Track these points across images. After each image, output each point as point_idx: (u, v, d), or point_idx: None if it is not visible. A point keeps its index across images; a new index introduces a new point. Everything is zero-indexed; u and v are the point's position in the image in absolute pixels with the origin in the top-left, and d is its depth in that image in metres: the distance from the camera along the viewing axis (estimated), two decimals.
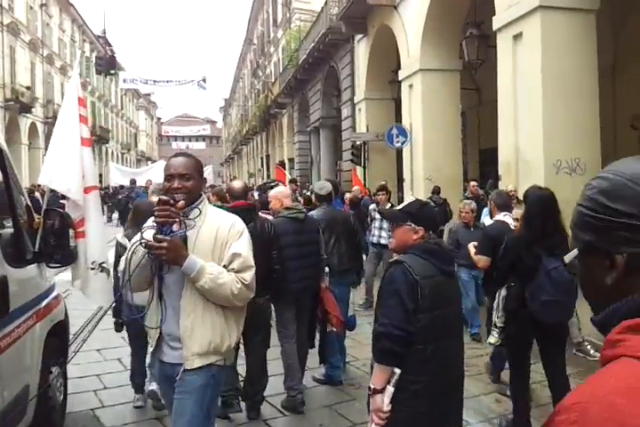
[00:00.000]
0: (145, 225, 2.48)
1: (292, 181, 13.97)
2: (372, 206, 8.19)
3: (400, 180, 13.91)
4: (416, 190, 12.44)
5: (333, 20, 15.84)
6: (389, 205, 7.67)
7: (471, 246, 4.66)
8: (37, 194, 13.43)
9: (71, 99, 4.22)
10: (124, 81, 28.37)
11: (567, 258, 4.72)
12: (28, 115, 28.90)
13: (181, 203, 2.32)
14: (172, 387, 2.47)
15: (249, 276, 2.41)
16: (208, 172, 21.05)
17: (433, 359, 2.33)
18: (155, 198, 5.37)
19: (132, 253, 2.38)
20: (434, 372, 2.33)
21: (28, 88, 28.50)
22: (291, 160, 26.10)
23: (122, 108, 55.84)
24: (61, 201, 8.28)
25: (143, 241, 2.32)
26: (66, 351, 3.99)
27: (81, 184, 4.04)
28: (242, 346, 4.13)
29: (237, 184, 4.24)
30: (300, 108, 24.03)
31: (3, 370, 2.76)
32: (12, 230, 3.22)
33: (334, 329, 4.51)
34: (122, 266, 2.53)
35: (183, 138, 71.77)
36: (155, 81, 27.09)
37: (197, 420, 2.40)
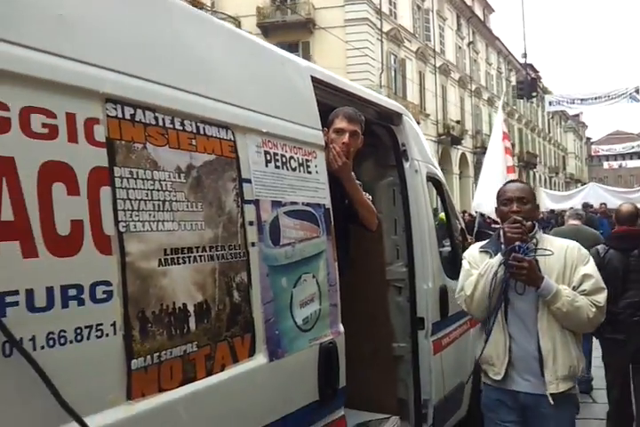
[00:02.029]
0: (475, 247, 2.72)
1: None
2: None
3: None
4: None
5: None
6: None
7: None
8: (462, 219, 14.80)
9: (497, 134, 4.97)
10: (550, 104, 28.63)
11: None
12: (458, 146, 32.21)
13: (529, 223, 2.45)
14: (512, 416, 2.51)
15: (602, 298, 2.42)
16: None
17: None
18: (572, 222, 5.54)
19: (481, 275, 2.48)
20: None
21: (457, 122, 31.88)
22: None
23: (549, 132, 56.16)
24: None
25: (505, 260, 2.39)
26: None
27: None
28: None
29: (625, 207, 3.97)
30: None
31: (444, 364, 3.48)
32: (449, 249, 4.01)
33: None
34: (468, 289, 2.57)
35: (615, 156, 66.70)
36: (582, 100, 26.44)
37: None
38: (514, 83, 42.84)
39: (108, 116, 1.44)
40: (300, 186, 2.18)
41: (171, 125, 1.63)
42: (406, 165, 3.36)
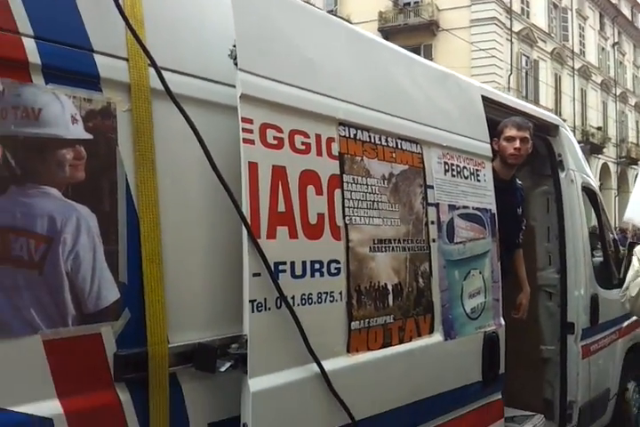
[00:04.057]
0: None
1: None
2: None
3: None
4: None
5: None
6: None
7: None
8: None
9: None
10: None
11: None
12: (599, 155, 30.63)
13: None
14: None
15: None
16: None
17: None
18: None
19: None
20: None
21: (598, 129, 30.31)
22: None
23: None
24: None
25: None
26: None
27: None
28: None
29: None
30: None
31: (591, 368, 3.69)
32: (601, 259, 4.19)
33: None
34: (633, 290, 2.74)
35: None
36: None
37: None
38: None
39: (340, 135, 1.95)
40: (471, 192, 2.59)
41: (379, 142, 2.12)
42: (562, 174, 3.63)
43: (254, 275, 1.61)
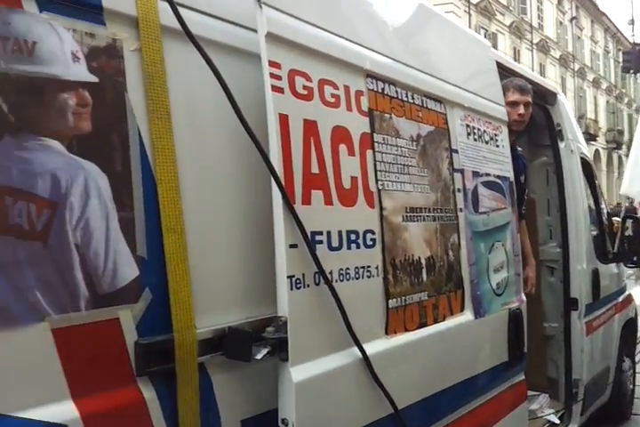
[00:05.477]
0: None
1: None
2: None
3: None
4: None
5: None
6: None
7: None
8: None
9: None
10: None
11: None
12: None
13: None
14: None
15: None
16: None
17: None
18: None
19: None
20: None
21: None
22: None
23: None
24: None
25: None
26: (634, 347, 4.68)
27: None
28: None
29: None
30: None
31: (594, 345, 3.66)
32: (596, 233, 4.14)
33: None
34: None
35: None
36: None
37: None
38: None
39: (368, 89, 1.76)
40: (491, 158, 2.44)
41: (406, 98, 1.93)
42: (561, 145, 3.53)
43: (291, 246, 1.41)
